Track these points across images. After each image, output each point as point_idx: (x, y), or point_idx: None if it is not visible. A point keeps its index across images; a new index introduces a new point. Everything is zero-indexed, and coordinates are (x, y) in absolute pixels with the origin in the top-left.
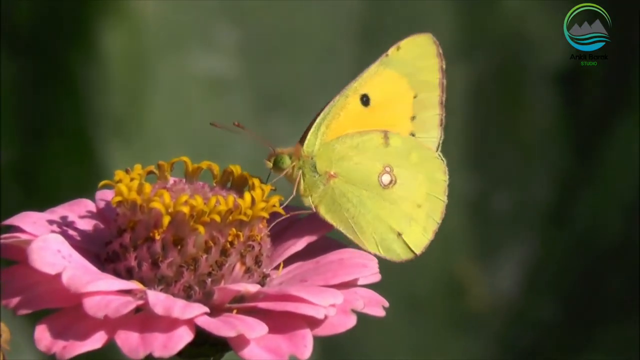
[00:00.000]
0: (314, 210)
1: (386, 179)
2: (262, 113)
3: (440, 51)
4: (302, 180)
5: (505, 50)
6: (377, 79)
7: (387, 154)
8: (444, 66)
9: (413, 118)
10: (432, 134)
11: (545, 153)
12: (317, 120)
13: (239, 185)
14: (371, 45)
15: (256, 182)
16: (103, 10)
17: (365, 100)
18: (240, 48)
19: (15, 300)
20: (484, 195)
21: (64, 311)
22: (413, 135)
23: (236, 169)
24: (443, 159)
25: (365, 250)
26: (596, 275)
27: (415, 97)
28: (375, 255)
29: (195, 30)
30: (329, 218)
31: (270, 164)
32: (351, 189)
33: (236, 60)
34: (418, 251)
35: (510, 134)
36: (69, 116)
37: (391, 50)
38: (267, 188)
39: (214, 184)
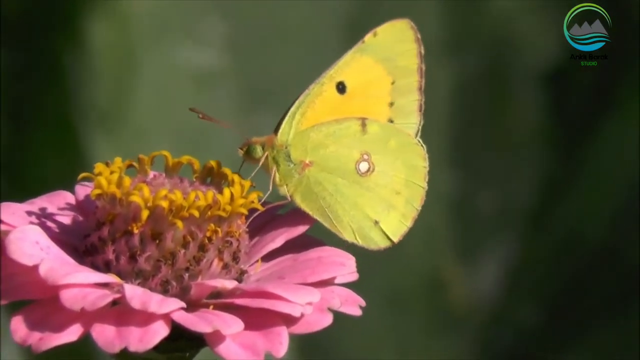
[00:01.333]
0: (290, 199)
1: (364, 166)
2: (248, 107)
3: (419, 36)
4: (276, 171)
5: (493, 50)
6: (353, 65)
7: (365, 141)
8: (423, 52)
9: (391, 104)
10: (411, 120)
11: (530, 154)
12: (292, 109)
13: (219, 181)
14: (358, 40)
15: (236, 178)
16: (91, 2)
17: (341, 87)
18: (227, 41)
19: None
20: (468, 195)
21: (40, 303)
22: (391, 121)
23: (216, 165)
24: (423, 145)
25: (342, 239)
26: (577, 278)
27: (393, 83)
28: (353, 244)
29: (182, 22)
30: (305, 207)
31: (242, 152)
32: (327, 177)
33: (223, 53)
34: (395, 239)
35: (495, 133)
36: (55, 106)
37: (368, 37)
38: (247, 184)
39: (194, 179)
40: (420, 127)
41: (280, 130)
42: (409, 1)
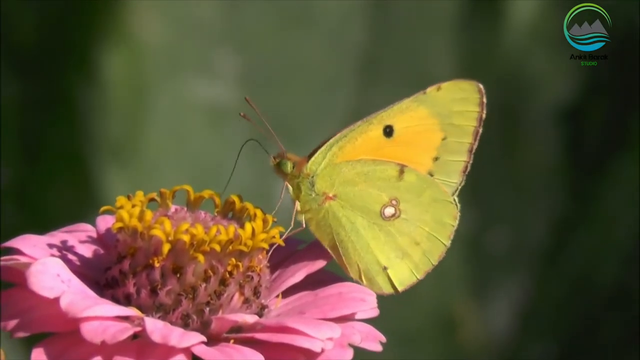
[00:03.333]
0: (304, 226)
1: (389, 211)
2: (261, 142)
3: (484, 101)
4: (298, 197)
5: (505, 88)
6: (407, 113)
7: (398, 187)
8: (484, 116)
9: (436, 159)
10: (453, 179)
11: (543, 193)
12: (331, 140)
13: (240, 216)
14: (371, 78)
15: (258, 212)
16: (104, 35)
17: (388, 131)
18: (241, 76)
19: (12, 323)
20: (480, 233)
21: (61, 335)
22: (431, 175)
23: (238, 199)
24: (457, 204)
25: (347, 275)
26: (590, 317)
27: (444, 139)
28: (356, 284)
29: (195, 57)
30: (317, 235)
31: (273, 162)
32: (347, 214)
33: (236, 88)
34: (401, 288)
35: (508, 172)
36: (67, 139)
37: (430, 89)
38: (269, 219)
39: (215, 214)
40: (460, 187)
41: (312, 159)
42: (422, 39)
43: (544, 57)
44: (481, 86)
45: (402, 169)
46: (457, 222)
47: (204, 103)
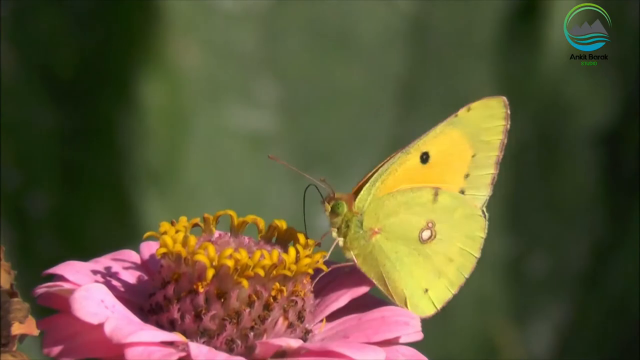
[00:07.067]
0: (353, 262)
1: (426, 234)
2: (301, 169)
3: (509, 113)
4: (345, 234)
5: (544, 112)
6: (441, 138)
7: (434, 210)
8: (509, 127)
9: (467, 176)
10: (482, 192)
11: (582, 217)
12: (375, 176)
13: (284, 240)
14: (412, 104)
15: (301, 237)
16: (144, 62)
17: (425, 158)
18: (280, 103)
19: (57, 349)
20: (520, 257)
21: None
22: (463, 192)
23: (281, 224)
24: (486, 214)
25: (391, 301)
26: (630, 341)
27: (473, 156)
28: (400, 307)
29: (235, 84)
30: (364, 270)
31: (328, 208)
32: (391, 246)
33: (275, 115)
34: (439, 306)
35: (548, 196)
36: (107, 167)
37: (461, 111)
38: (312, 243)
39: (259, 239)
40: (488, 198)
41: (359, 197)
42: (461, 65)
43: (582, 81)
44: (506, 100)
45: (436, 192)
46: (485, 233)
47: (243, 131)
